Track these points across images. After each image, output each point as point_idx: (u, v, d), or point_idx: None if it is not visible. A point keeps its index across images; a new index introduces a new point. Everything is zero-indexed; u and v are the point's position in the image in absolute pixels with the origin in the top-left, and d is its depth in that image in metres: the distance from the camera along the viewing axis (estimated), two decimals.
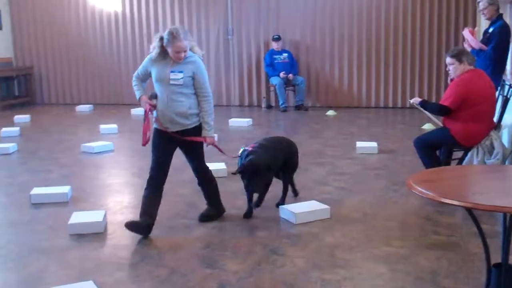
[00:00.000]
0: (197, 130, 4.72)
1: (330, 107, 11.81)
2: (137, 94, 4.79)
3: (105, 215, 4.95)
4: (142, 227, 4.58)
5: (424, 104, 5.72)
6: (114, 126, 9.89)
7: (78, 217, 4.84)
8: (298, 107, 11.97)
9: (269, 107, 12.47)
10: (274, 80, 11.91)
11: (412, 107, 6.51)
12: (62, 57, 13.83)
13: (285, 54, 12.03)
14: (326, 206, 5.07)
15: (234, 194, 5.70)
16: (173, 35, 4.44)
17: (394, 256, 4.13)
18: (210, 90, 4.74)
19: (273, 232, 4.71)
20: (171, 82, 4.55)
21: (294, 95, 12.16)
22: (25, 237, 4.73)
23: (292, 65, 12.02)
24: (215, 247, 4.38)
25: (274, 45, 12.00)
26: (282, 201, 5.32)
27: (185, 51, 4.54)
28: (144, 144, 4.77)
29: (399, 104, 11.93)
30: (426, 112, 5.79)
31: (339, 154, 7.59)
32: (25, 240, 4.67)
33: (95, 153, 7.95)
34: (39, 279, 3.88)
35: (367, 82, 12.11)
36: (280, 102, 11.91)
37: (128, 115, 11.84)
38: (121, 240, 4.60)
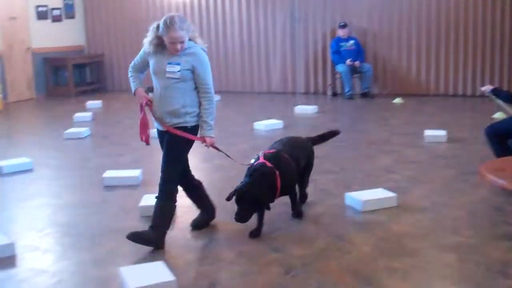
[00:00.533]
0: (189, 130, 4.18)
1: (397, 95, 11.64)
2: (133, 86, 4.31)
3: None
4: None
5: (495, 92, 5.58)
6: None
7: (149, 200, 4.97)
8: (364, 95, 11.85)
9: (334, 94, 12.39)
10: (340, 68, 11.81)
11: (482, 95, 6.35)
12: (132, 45, 14.12)
13: (352, 41, 11.90)
14: (393, 194, 5.03)
15: None
16: (167, 24, 3.96)
17: (463, 246, 4.07)
18: (211, 86, 4.20)
19: (339, 219, 4.72)
20: (167, 75, 4.06)
21: (360, 83, 12.04)
22: (98, 218, 4.91)
23: (358, 52, 11.88)
24: (281, 232, 4.43)
25: (341, 32, 11.89)
26: (297, 212, 4.75)
27: (181, 42, 4.01)
28: (143, 140, 4.42)
29: (469, 92, 11.60)
30: (498, 100, 5.64)
31: (407, 142, 7.49)
32: (98, 221, 4.85)
33: None
34: (110, 259, 4.03)
35: (436, 69, 11.83)
36: (346, 90, 11.81)
37: None
38: (189, 223, 4.70)
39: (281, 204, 5.04)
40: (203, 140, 4.24)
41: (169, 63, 4.06)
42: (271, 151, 4.54)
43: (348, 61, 11.67)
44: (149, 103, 4.21)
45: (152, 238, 4.08)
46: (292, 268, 3.76)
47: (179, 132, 4.12)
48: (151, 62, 4.17)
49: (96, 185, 5.84)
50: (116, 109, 11.38)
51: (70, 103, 12.31)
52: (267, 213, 4.80)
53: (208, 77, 4.18)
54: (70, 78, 13.31)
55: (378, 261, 3.83)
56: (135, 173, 5.94)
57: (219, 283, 3.57)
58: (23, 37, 12.67)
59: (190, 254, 4.04)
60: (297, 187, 4.80)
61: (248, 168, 4.40)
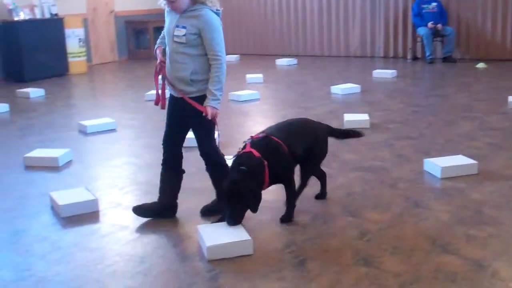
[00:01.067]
0: (204, 100, 3.79)
1: (480, 60, 11.21)
2: (156, 45, 4.06)
3: None
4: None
5: None
6: (260, 76, 10.12)
7: (227, 161, 5.06)
8: (445, 59, 11.49)
9: (415, 58, 12.09)
10: (422, 31, 11.49)
11: None
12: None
13: (434, 4, 11.52)
14: (473, 161, 4.90)
15: (375, 146, 5.69)
16: None
17: None
18: (221, 51, 3.73)
19: (417, 185, 4.65)
20: (175, 39, 3.74)
21: (442, 47, 11.67)
22: None
23: (441, 15, 11.50)
24: (357, 196, 4.43)
25: None
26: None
27: (172, 1, 3.68)
28: (156, 103, 4.13)
29: None
30: None
31: (489, 108, 7.25)
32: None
33: (242, 101, 8.23)
34: (189, 217, 4.13)
35: None
36: (427, 54, 11.49)
37: (273, 65, 12.04)
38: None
39: (357, 169, 5.03)
40: (204, 110, 3.76)
41: (177, 26, 3.73)
42: (259, 135, 3.95)
43: (429, 24, 11.32)
44: (163, 64, 3.91)
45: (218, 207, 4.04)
46: (367, 232, 3.76)
47: (193, 103, 3.79)
48: (165, 23, 3.90)
49: None
50: None
51: (150, 66, 12.55)
52: (342, 177, 4.80)
53: (216, 42, 3.71)
54: (151, 41, 13.57)
55: (456, 229, 3.77)
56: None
57: (294, 244, 3.63)
58: (106, 0, 13.00)
59: (265, 215, 4.10)
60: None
61: (234, 159, 3.85)
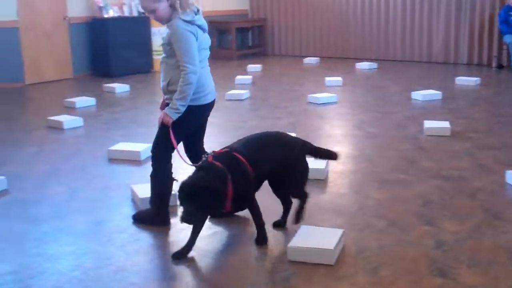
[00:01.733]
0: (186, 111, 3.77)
1: None
2: None
3: (327, 163, 5.14)
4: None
5: None
6: (339, 79, 10.08)
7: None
8: None
9: (500, 66, 11.71)
10: (508, 38, 11.11)
11: None
12: (294, 11, 14.31)
13: None
14: None
15: (455, 154, 5.58)
16: None
17: None
18: (190, 61, 3.65)
19: (497, 197, 4.52)
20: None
21: None
22: None
23: None
24: (435, 205, 4.35)
25: (511, 0, 11.15)
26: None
27: (151, 12, 3.73)
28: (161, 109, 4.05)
29: None
30: None
31: None
32: None
33: (320, 104, 8.24)
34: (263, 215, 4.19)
35: None
36: None
37: (353, 69, 11.97)
38: (341, 188, 4.76)
39: (436, 177, 4.94)
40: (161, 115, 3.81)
41: (162, 37, 3.86)
42: (222, 150, 3.68)
43: None
44: None
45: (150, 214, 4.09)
46: (443, 242, 3.69)
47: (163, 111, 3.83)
48: None
49: None
50: (275, 73, 11.64)
51: (232, 65, 12.78)
52: (420, 184, 4.74)
53: (181, 52, 3.66)
54: (233, 41, 13.78)
55: None
56: None
57: (368, 249, 3.61)
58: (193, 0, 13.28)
59: (340, 218, 4.10)
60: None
61: (195, 171, 3.58)
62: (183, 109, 3.74)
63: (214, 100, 4.03)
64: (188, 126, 3.92)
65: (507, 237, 3.76)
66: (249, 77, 10.46)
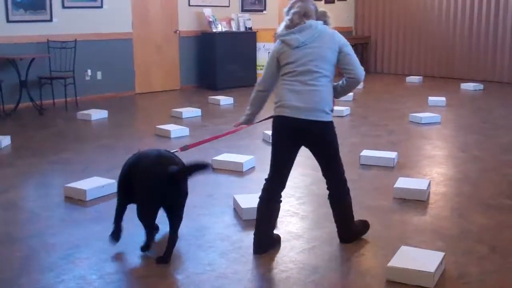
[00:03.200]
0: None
1: None
2: None
3: (429, 184, 5.09)
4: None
5: None
6: (443, 98, 9.89)
7: (404, 183, 5.07)
8: None
9: None
10: None
11: None
12: (399, 29, 14.19)
13: None
14: None
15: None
16: None
17: None
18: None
19: None
20: None
21: None
22: (353, 194, 5.10)
23: None
24: None
25: None
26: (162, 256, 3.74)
27: None
28: None
29: None
30: None
31: None
32: (353, 196, 5.05)
33: (422, 123, 8.13)
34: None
35: None
36: None
37: (457, 89, 11.70)
38: (442, 211, 4.69)
39: None
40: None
41: None
42: None
43: None
44: None
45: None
46: None
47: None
48: None
49: (353, 162, 6.07)
50: (376, 91, 11.58)
51: (335, 81, 12.77)
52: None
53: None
54: None
55: None
56: (391, 155, 6.06)
57: (469, 275, 3.54)
58: None
59: (441, 242, 4.05)
60: None
61: None
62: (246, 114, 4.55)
63: None
64: None
65: None
66: (350, 94, 10.44)
